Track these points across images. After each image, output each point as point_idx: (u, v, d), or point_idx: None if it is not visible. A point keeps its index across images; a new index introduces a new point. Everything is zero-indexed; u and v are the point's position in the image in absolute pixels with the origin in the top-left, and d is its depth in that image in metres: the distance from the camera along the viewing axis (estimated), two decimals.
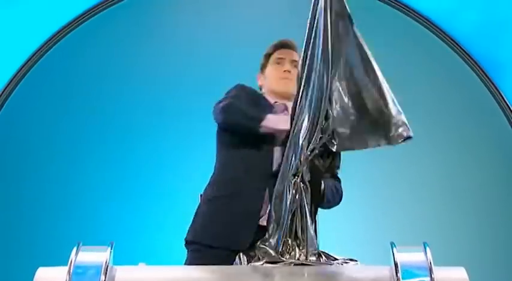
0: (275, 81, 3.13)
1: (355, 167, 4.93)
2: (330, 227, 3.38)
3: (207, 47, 5.05)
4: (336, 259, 2.59)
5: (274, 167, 2.86)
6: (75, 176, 4.98)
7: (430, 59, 5.15)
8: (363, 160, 4.95)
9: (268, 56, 3.20)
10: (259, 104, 3.03)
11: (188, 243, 2.97)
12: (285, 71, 3.12)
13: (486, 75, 5.09)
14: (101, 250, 2.30)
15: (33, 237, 4.85)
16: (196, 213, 3.04)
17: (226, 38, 5.06)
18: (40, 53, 5.09)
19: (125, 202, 4.92)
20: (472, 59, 5.11)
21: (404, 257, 2.28)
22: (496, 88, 5.08)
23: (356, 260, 2.68)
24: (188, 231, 3.02)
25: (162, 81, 5.09)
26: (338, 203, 3.04)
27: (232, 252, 2.72)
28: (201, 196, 3.06)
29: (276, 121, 2.86)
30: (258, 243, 2.55)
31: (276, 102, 3.08)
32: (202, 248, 2.91)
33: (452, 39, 5.14)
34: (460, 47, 5.13)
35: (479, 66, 5.10)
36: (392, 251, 2.32)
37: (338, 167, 3.05)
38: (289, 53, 3.17)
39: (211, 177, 3.07)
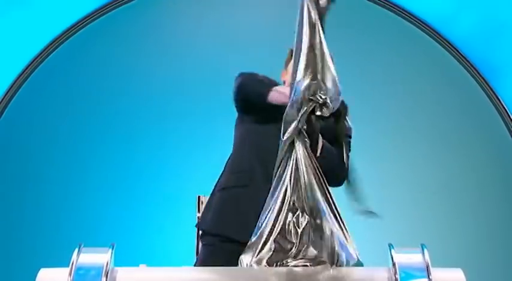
0: None
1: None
2: None
3: (209, 49, 5.05)
4: None
5: None
6: (77, 178, 4.98)
7: (428, 62, 5.16)
8: (361, 161, 4.96)
9: (292, 51, 3.17)
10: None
11: (202, 234, 2.97)
12: None
13: (483, 78, 5.10)
14: (102, 252, 2.30)
15: (36, 239, 4.85)
16: (209, 202, 3.04)
17: (228, 40, 5.06)
18: (41, 57, 5.09)
19: (126, 204, 4.92)
20: (468, 62, 5.12)
21: (402, 258, 2.28)
22: (492, 91, 5.08)
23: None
24: (201, 219, 3.02)
25: (164, 83, 5.09)
26: (338, 172, 2.98)
27: (241, 245, 2.70)
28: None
29: (282, 90, 2.83)
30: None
31: None
32: (212, 240, 2.90)
33: (449, 43, 5.14)
34: (457, 51, 5.13)
35: (476, 70, 5.11)
36: (391, 253, 2.32)
37: (346, 135, 3.06)
38: None
39: (226, 165, 3.08)
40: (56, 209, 4.93)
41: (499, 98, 5.07)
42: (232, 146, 3.10)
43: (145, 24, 5.20)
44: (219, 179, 3.08)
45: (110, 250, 2.31)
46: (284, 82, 3.13)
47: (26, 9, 4.99)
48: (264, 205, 2.48)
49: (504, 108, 5.06)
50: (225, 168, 3.09)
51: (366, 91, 5.08)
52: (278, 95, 2.86)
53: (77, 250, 2.30)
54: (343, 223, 2.46)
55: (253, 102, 2.97)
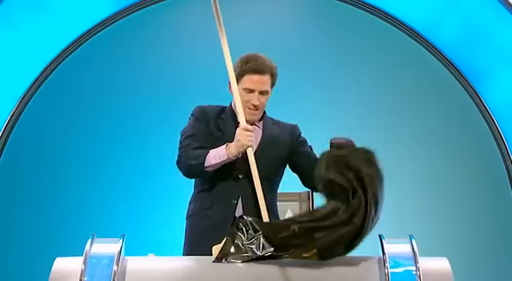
0: (242, 108, 2.97)
1: None
2: None
3: (211, 57, 5.03)
4: None
5: (241, 176, 2.93)
6: (90, 177, 4.98)
7: (416, 66, 5.16)
8: None
9: (240, 75, 2.98)
10: (221, 120, 3.02)
11: None
12: (253, 105, 2.97)
13: (466, 81, 5.11)
14: (114, 242, 2.31)
15: (53, 231, 4.86)
16: (185, 230, 3.08)
17: (234, 45, 5.03)
18: (55, 63, 5.10)
19: (135, 199, 4.93)
20: (453, 65, 5.12)
21: (392, 248, 2.30)
22: (475, 92, 5.09)
23: None
24: (183, 248, 3.05)
25: (171, 85, 5.10)
26: None
27: None
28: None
29: (213, 156, 2.89)
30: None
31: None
32: None
33: (435, 48, 5.15)
34: (443, 55, 5.14)
35: (460, 73, 5.11)
36: (381, 243, 2.33)
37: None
38: (259, 82, 2.96)
39: (191, 196, 3.10)
40: (72, 205, 4.94)
41: (481, 98, 5.08)
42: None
43: (154, 31, 5.19)
44: (187, 209, 3.09)
45: (121, 240, 2.32)
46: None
47: (41, 18, 4.99)
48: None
49: (485, 107, 5.07)
50: (190, 199, 3.10)
51: (359, 92, 5.09)
52: (212, 160, 2.89)
53: (90, 240, 2.30)
54: None
55: (195, 176, 3.03)
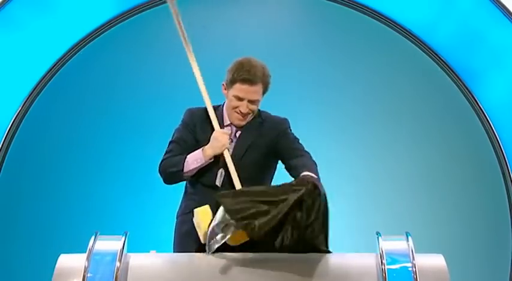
0: (231, 112, 2.97)
1: (345, 166, 4.97)
2: None
3: (212, 58, 5.03)
4: None
5: (217, 182, 2.92)
6: (93, 176, 4.98)
7: (412, 68, 5.16)
8: (353, 159, 4.97)
9: (232, 82, 2.95)
10: (209, 124, 2.96)
11: None
12: (241, 112, 2.94)
13: (461, 82, 5.11)
14: (116, 239, 2.32)
15: (57, 228, 4.86)
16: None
17: (231, 50, 5.05)
18: (59, 64, 5.10)
19: (137, 197, 4.93)
20: (449, 67, 5.12)
21: (388, 245, 2.30)
22: (470, 93, 5.09)
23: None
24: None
25: (170, 87, 5.09)
26: None
27: None
28: None
29: (191, 160, 2.90)
30: None
31: (227, 125, 3.01)
32: None
33: (431, 49, 5.15)
34: (439, 56, 5.14)
35: (455, 74, 5.11)
36: (378, 240, 2.33)
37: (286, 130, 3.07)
38: (249, 91, 2.91)
39: (181, 198, 3.14)
40: (74, 203, 4.94)
41: (476, 98, 5.08)
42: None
43: (156, 33, 5.18)
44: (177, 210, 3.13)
45: (123, 237, 2.33)
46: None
47: (44, 20, 4.98)
48: None
49: (480, 108, 5.07)
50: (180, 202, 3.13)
51: (356, 93, 5.09)
52: (191, 165, 2.91)
53: (93, 237, 2.31)
54: None
55: (176, 182, 3.06)
